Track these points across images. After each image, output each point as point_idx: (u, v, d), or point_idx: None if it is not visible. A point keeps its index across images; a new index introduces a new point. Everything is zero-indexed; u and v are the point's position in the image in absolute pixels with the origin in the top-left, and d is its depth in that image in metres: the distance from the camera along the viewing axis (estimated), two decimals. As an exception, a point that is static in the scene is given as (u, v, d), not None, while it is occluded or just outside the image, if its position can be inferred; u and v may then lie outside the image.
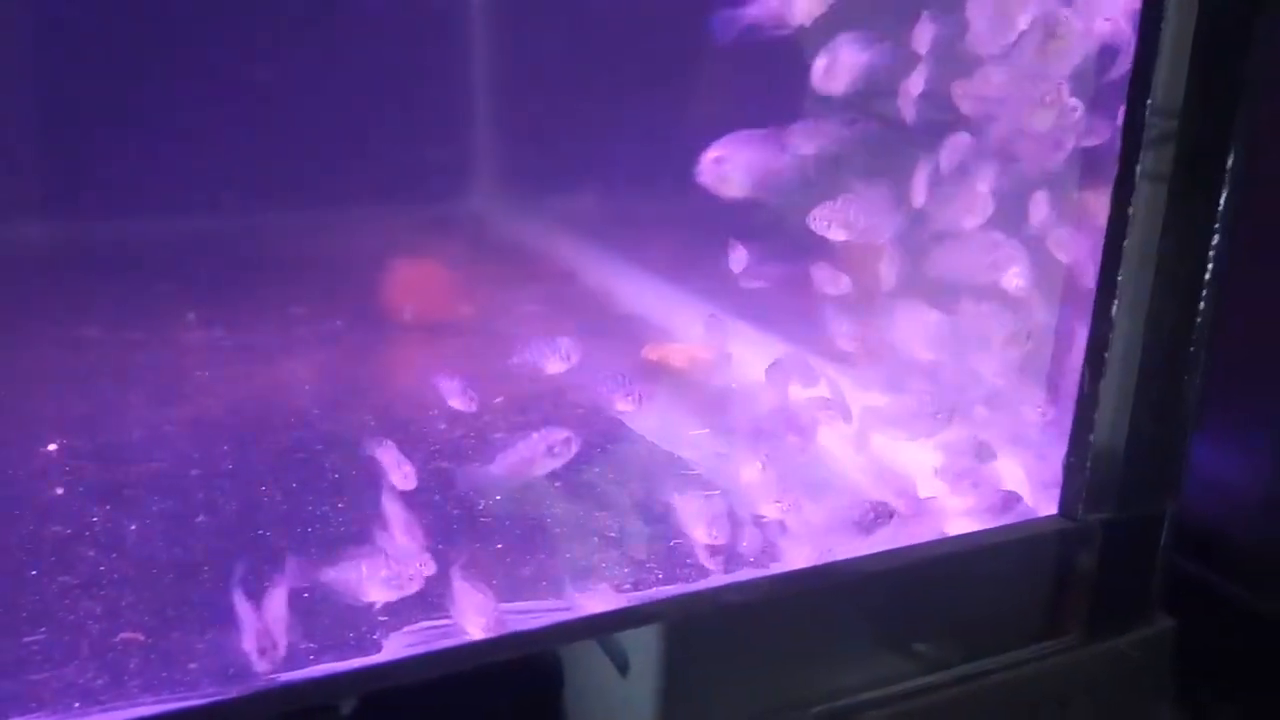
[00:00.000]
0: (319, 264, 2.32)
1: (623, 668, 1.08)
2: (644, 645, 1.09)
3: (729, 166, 1.19)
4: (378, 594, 1.15)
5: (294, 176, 2.35)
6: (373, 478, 1.42)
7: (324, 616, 1.18)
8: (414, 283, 2.16)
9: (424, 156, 2.71)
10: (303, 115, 2.42)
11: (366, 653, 1.15)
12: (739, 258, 1.58)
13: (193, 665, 1.10)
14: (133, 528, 1.37)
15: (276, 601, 1.10)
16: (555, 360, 1.39)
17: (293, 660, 1.11)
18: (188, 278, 2.16)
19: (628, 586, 1.25)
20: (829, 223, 1.32)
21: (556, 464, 1.31)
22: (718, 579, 1.22)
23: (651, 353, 1.87)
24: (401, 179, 2.60)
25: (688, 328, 2.00)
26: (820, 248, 1.47)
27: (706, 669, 1.12)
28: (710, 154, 1.18)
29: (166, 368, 1.86)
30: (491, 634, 1.13)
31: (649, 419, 1.65)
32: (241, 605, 1.10)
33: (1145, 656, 1.30)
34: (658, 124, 2.28)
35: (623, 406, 1.37)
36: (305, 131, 2.40)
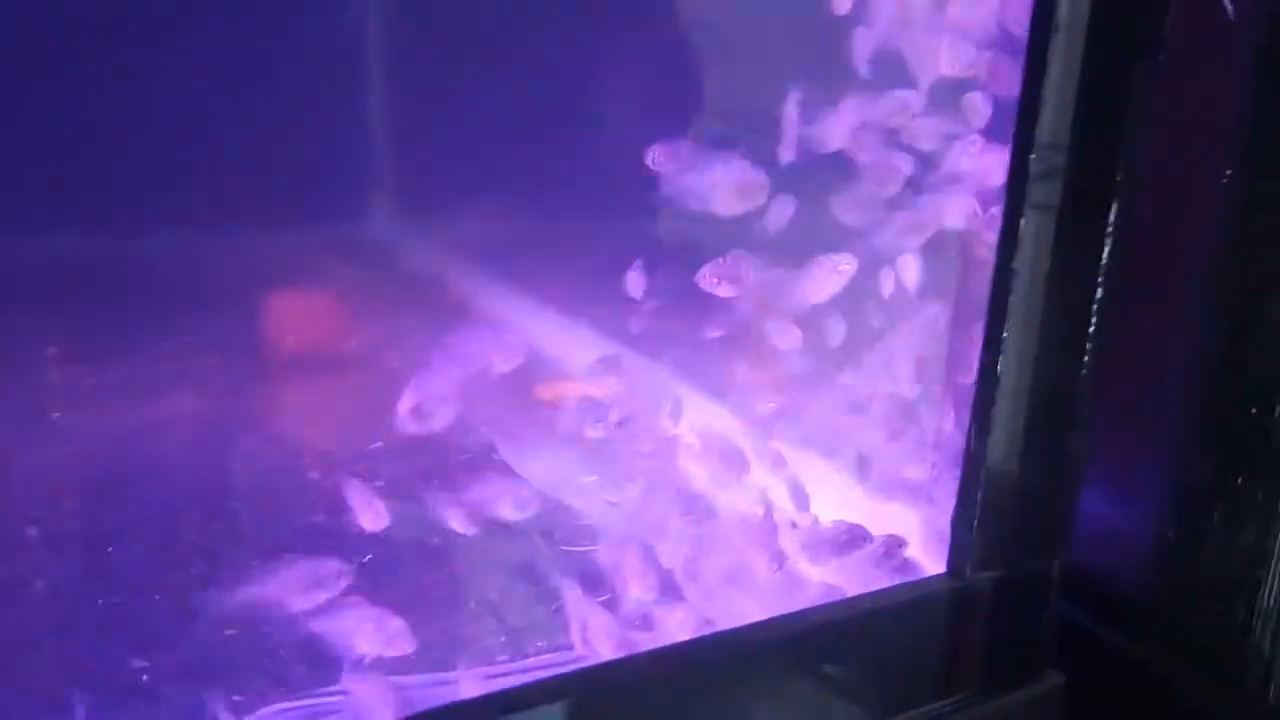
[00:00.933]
0: (198, 293, 2.17)
1: None
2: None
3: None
4: (367, 646, 1.10)
5: (173, 196, 2.21)
6: (232, 539, 1.32)
7: (164, 702, 1.08)
8: (295, 315, 2.04)
9: (318, 178, 2.58)
10: (184, 128, 2.28)
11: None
12: (635, 281, 1.53)
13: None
14: (-39, 597, 1.24)
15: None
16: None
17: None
18: (48, 307, 2.00)
19: (503, 658, 1.18)
20: (717, 279, 1.28)
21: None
22: (601, 656, 1.16)
23: (545, 392, 1.80)
24: (293, 201, 2.47)
25: (584, 365, 1.94)
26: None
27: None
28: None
29: (14, 410, 1.70)
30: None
31: (537, 464, 1.58)
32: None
33: (1035, 714, 1.29)
34: (567, 146, 2.22)
35: (593, 434, 1.30)
36: (186, 148, 2.26)
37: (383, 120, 2.62)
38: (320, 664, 1.17)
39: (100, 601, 1.24)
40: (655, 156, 1.29)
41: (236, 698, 1.11)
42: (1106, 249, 1.16)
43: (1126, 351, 1.28)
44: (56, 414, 1.74)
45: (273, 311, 1.98)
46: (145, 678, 1.09)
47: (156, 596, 1.26)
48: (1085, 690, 1.33)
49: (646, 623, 1.21)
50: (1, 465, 1.54)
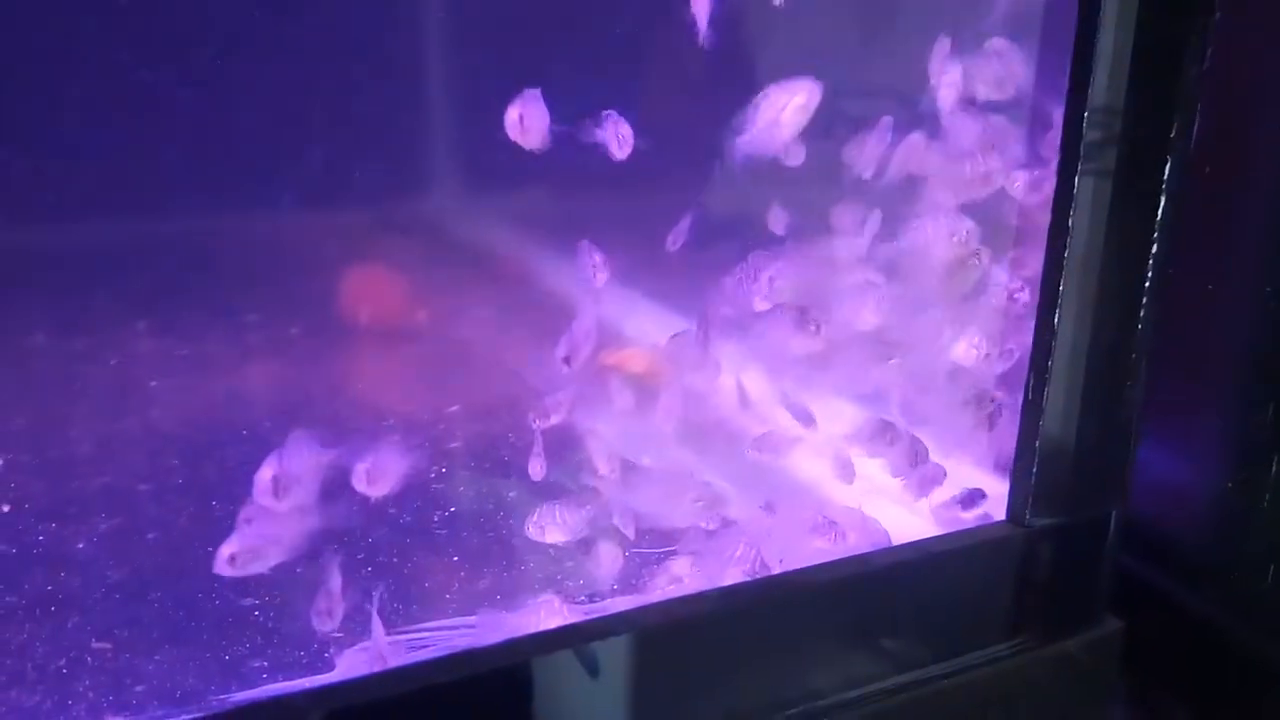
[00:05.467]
0: (275, 269, 2.27)
1: (592, 670, 1.08)
2: (612, 651, 1.08)
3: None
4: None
5: (248, 179, 2.30)
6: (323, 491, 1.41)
7: (274, 635, 1.17)
8: (368, 287, 2.12)
9: (381, 157, 2.65)
10: (256, 116, 2.37)
11: (319, 671, 1.14)
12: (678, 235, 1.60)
13: (140, 688, 1.08)
14: (80, 546, 1.34)
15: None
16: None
17: (247, 679, 1.11)
18: (140, 285, 2.10)
19: (583, 598, 1.25)
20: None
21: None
22: (673, 591, 1.22)
23: (608, 358, 1.86)
24: (359, 181, 2.55)
25: (645, 332, 2.00)
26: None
27: (671, 676, 1.12)
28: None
29: (115, 379, 1.81)
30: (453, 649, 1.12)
31: (606, 426, 1.64)
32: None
33: (1093, 659, 1.32)
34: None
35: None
36: (259, 132, 2.35)
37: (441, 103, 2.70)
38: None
39: (209, 548, 1.33)
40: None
41: (338, 634, 1.19)
42: (1162, 202, 1.19)
43: (1186, 302, 1.30)
44: (151, 383, 1.85)
45: (356, 284, 2.08)
46: (257, 613, 1.18)
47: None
48: (1145, 640, 1.37)
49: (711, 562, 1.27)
50: (107, 429, 1.65)
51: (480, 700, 1.04)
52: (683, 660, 1.12)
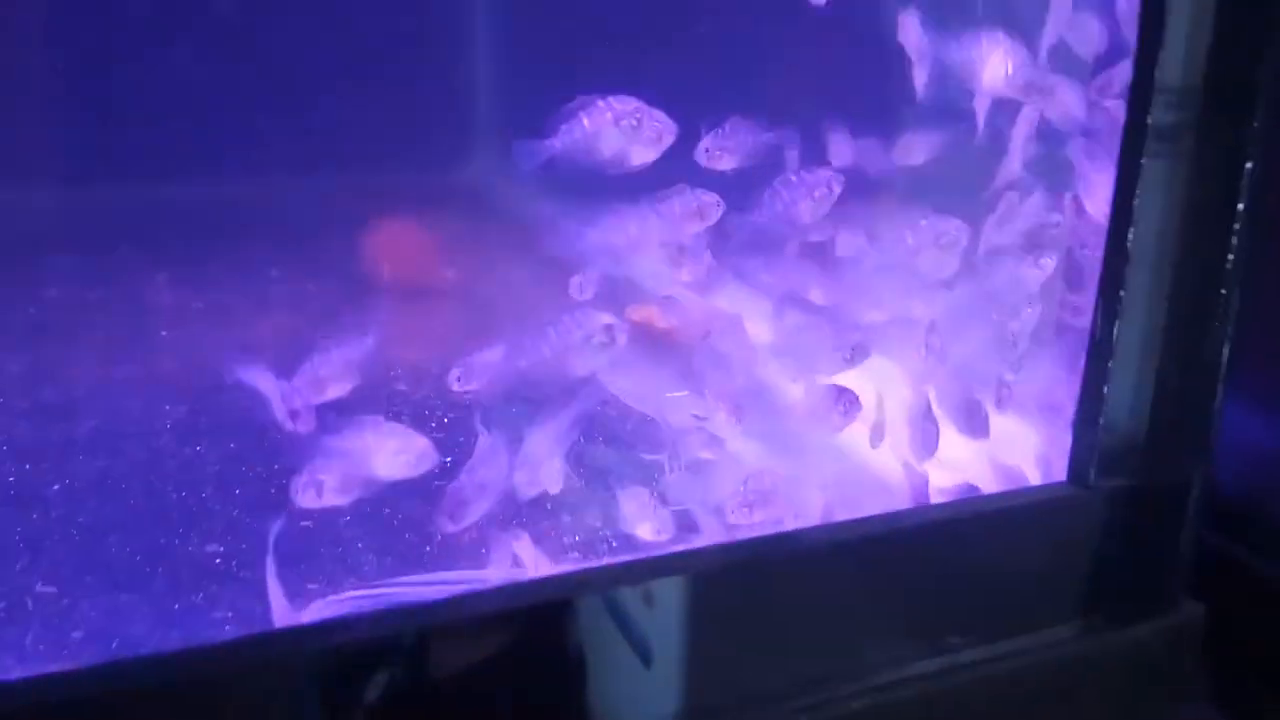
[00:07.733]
0: (306, 231, 2.26)
1: (646, 659, 1.00)
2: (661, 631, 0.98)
3: None
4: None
5: (291, 146, 2.34)
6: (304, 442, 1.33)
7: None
8: (392, 244, 2.08)
9: (422, 125, 2.67)
10: (298, 81, 2.40)
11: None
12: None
13: (77, 634, 1.00)
14: (55, 487, 1.28)
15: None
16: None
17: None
18: (168, 243, 2.12)
19: (576, 555, 1.14)
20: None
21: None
22: (697, 542, 1.10)
23: (635, 314, 1.77)
24: (400, 148, 2.57)
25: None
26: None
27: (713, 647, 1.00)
28: None
29: (123, 328, 1.79)
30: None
31: (628, 381, 1.55)
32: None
33: (1168, 647, 1.15)
34: (660, 89, 2.20)
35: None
36: (301, 100, 2.39)
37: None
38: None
39: (182, 494, 1.26)
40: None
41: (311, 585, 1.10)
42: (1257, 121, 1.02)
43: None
44: (161, 333, 1.82)
45: (380, 241, 2.04)
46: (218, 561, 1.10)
47: (238, 490, 1.28)
48: (1233, 627, 1.19)
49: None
50: (104, 375, 1.61)
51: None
52: (706, 632, 0.99)
